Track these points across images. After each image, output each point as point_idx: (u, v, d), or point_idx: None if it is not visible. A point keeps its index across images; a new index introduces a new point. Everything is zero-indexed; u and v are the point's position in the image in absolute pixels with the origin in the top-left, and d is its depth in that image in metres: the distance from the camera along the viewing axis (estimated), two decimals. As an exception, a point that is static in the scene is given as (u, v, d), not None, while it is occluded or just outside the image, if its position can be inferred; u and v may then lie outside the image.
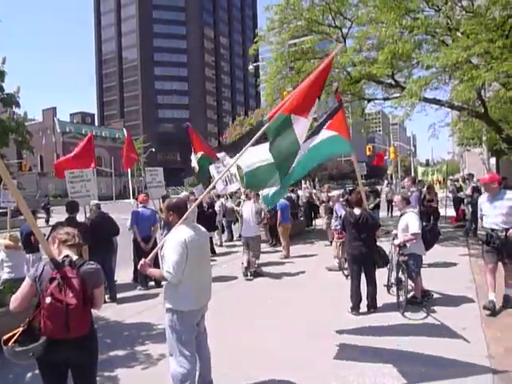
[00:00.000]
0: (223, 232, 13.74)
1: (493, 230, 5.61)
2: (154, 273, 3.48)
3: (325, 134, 4.75)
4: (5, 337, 2.52)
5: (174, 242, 3.36)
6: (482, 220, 6.00)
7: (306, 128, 4.34)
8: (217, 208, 12.46)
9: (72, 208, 6.71)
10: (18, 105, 4.99)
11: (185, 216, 3.48)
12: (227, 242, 13.41)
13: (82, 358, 2.78)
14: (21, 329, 2.56)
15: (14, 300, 2.71)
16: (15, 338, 2.52)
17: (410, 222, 5.83)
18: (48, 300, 2.53)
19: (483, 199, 5.95)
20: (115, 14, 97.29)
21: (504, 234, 5.50)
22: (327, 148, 4.84)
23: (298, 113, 4.21)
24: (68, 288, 2.59)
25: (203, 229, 3.76)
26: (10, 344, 2.50)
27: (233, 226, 14.15)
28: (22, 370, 4.11)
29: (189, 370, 3.38)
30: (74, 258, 2.81)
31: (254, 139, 3.87)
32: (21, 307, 2.69)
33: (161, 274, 3.39)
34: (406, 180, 6.86)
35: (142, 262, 3.52)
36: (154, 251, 3.60)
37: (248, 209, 8.78)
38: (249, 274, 8.32)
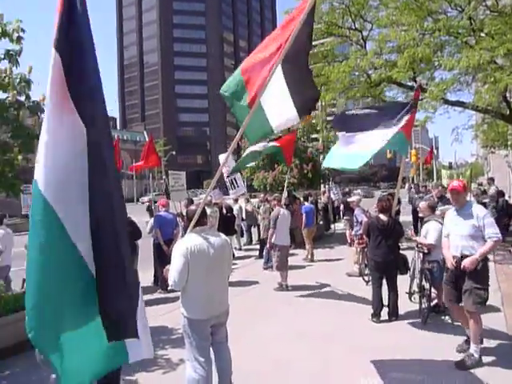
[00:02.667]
0: (242, 235, 13.74)
1: (454, 256, 4.41)
2: None
3: (395, 130, 4.76)
4: None
5: (177, 250, 3.41)
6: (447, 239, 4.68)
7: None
8: (235, 212, 12.49)
9: None
10: (43, 112, 5.12)
11: (192, 223, 3.51)
12: (246, 246, 13.42)
13: None
14: None
15: None
16: None
17: (430, 231, 5.76)
18: None
19: (449, 214, 4.72)
20: (136, 20, 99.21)
21: (457, 263, 4.32)
22: (391, 144, 4.95)
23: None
24: None
25: (221, 236, 3.72)
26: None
27: (252, 228, 14.15)
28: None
29: (203, 375, 3.40)
30: None
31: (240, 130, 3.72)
32: None
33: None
34: (422, 206, 6.10)
35: (166, 268, 3.57)
36: (174, 257, 3.63)
37: (285, 214, 8.01)
38: (285, 286, 7.79)
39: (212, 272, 3.48)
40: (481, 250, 4.22)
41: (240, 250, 12.70)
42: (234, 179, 11.16)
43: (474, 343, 4.32)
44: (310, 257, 10.55)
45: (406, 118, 5.06)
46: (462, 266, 4.23)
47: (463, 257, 4.29)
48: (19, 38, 4.85)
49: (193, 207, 3.71)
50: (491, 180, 14.48)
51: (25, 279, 6.56)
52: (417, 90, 5.49)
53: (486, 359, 4.37)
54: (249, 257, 11.52)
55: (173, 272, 3.34)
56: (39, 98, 5.22)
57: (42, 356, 2.58)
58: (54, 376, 2.91)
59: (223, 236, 3.76)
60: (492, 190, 12.71)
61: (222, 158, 11.35)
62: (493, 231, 4.23)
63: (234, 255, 11.23)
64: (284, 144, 9.17)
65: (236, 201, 13.48)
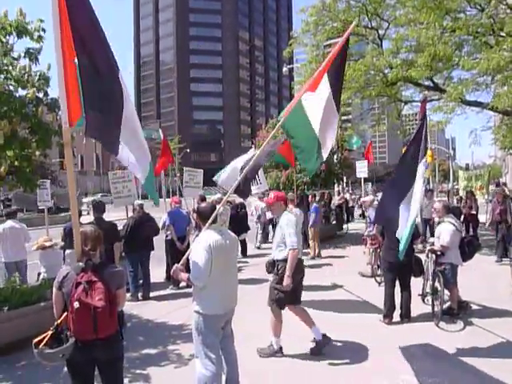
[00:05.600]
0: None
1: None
2: (184, 277, 3.54)
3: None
4: (35, 340, 2.64)
5: (199, 247, 3.43)
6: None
7: (315, 103, 4.25)
8: (253, 209, 12.57)
9: (98, 209, 6.73)
10: (60, 109, 5.21)
11: (210, 220, 3.53)
12: (260, 244, 13.39)
13: (111, 356, 2.92)
14: (50, 332, 2.68)
15: (55, 312, 2.88)
16: (45, 341, 2.63)
17: (443, 233, 5.71)
18: (76, 305, 2.63)
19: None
20: (153, 18, 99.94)
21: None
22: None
23: (306, 91, 4.24)
24: (94, 291, 2.69)
25: (232, 234, 3.78)
26: (40, 346, 2.62)
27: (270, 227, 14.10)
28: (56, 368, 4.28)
29: (214, 372, 3.42)
30: (97, 260, 2.94)
31: (268, 138, 4.02)
32: (60, 312, 2.83)
33: (188, 279, 3.46)
34: (437, 206, 5.92)
35: (174, 267, 3.59)
36: (186, 255, 3.65)
37: (298, 214, 7.50)
38: None
39: (228, 268, 3.57)
40: (288, 265, 4.51)
41: (259, 248, 12.70)
42: (257, 175, 11.04)
43: (273, 336, 4.72)
44: (315, 253, 10.74)
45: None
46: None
47: (275, 261, 4.77)
48: (40, 37, 4.95)
49: (203, 204, 3.74)
50: (501, 184, 14.14)
51: (39, 273, 6.66)
52: (423, 101, 5.35)
53: (496, 364, 4.31)
54: (262, 255, 11.50)
55: (197, 267, 3.37)
56: (57, 96, 5.32)
57: (40, 352, 2.62)
58: (65, 370, 2.98)
59: (232, 233, 3.82)
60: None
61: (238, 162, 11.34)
62: (289, 241, 4.54)
63: (246, 253, 11.32)
64: (283, 150, 9.60)
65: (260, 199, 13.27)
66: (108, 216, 7.30)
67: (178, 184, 9.85)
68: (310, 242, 11.01)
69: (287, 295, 4.65)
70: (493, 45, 10.12)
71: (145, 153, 3.49)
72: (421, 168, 4.58)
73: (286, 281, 4.48)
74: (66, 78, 2.81)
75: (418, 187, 4.56)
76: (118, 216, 11.09)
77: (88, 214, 18.56)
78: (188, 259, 3.58)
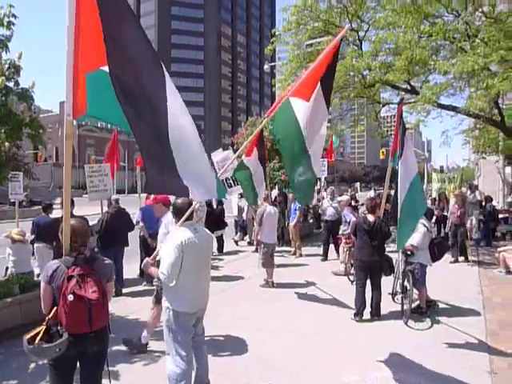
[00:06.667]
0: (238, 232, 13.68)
1: None
2: (154, 272, 3.50)
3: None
4: (28, 336, 2.59)
5: (170, 244, 3.39)
6: None
7: (307, 112, 4.22)
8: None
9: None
10: (32, 99, 5.07)
11: (184, 217, 3.50)
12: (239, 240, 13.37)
13: (99, 349, 2.91)
14: (44, 327, 2.63)
15: (43, 307, 2.82)
16: (40, 336, 2.59)
17: (414, 233, 5.81)
18: (71, 297, 2.61)
19: None
20: (135, 9, 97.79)
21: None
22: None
23: (296, 95, 4.18)
24: (87, 284, 2.70)
25: (207, 232, 3.76)
26: (36, 342, 2.56)
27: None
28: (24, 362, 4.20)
29: (184, 370, 3.40)
30: (87, 253, 2.91)
31: (251, 137, 3.97)
32: (49, 306, 2.77)
33: (158, 275, 3.43)
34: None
35: (145, 261, 3.57)
36: (157, 251, 3.63)
37: (271, 212, 7.92)
38: (271, 283, 7.82)
39: (201, 265, 3.53)
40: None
41: (236, 242, 12.70)
42: (231, 178, 10.90)
43: (147, 330, 4.79)
44: (300, 252, 10.81)
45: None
46: None
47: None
48: (10, 24, 4.79)
49: (179, 200, 3.70)
50: (473, 186, 14.47)
51: (7, 267, 6.45)
52: (400, 103, 5.48)
53: (462, 362, 4.45)
54: (239, 252, 11.53)
55: (165, 265, 3.33)
56: (29, 85, 5.17)
57: (29, 346, 2.57)
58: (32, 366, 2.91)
59: (207, 230, 3.79)
60: (471, 197, 12.79)
61: (214, 156, 11.10)
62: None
63: (222, 250, 11.30)
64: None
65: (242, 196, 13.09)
66: (82, 211, 7.17)
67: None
68: (292, 241, 11.13)
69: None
70: (468, 50, 10.38)
71: (206, 166, 3.14)
72: (401, 167, 4.72)
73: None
74: (76, 72, 2.72)
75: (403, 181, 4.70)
76: (92, 211, 10.86)
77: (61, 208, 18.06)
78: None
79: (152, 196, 8.40)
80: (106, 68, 2.63)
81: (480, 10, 11.09)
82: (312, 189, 5.21)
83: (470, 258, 9.87)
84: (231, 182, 10.48)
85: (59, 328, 2.65)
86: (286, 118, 4.32)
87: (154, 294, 4.81)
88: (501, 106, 12.52)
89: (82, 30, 2.66)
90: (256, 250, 10.50)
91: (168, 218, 4.80)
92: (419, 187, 5.09)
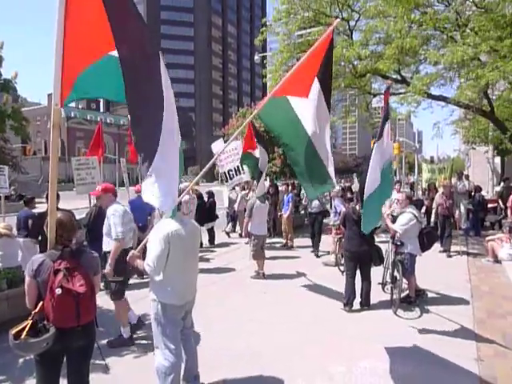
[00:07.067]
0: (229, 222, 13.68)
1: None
2: (140, 265, 3.46)
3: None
4: (13, 331, 2.55)
5: (156, 236, 3.34)
6: None
7: (308, 108, 4.06)
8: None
9: None
10: (15, 90, 4.96)
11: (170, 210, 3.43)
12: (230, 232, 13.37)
13: (86, 343, 2.89)
14: (30, 321, 2.60)
15: (28, 302, 2.77)
16: (26, 330, 2.55)
17: (400, 219, 5.93)
18: (58, 291, 2.57)
19: None
20: None
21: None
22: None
23: (295, 94, 4.03)
24: (74, 278, 2.67)
25: (194, 223, 3.72)
26: (22, 337, 2.53)
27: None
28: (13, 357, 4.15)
29: (173, 363, 3.38)
30: (74, 246, 2.87)
31: (238, 131, 3.90)
32: (34, 301, 2.74)
33: (143, 267, 3.39)
34: (400, 196, 6.13)
35: (131, 253, 3.52)
36: (143, 243, 3.57)
37: (259, 203, 7.80)
38: (262, 274, 7.80)
39: (188, 257, 3.49)
40: (111, 255, 4.53)
41: (228, 234, 12.69)
42: (234, 169, 10.75)
43: (122, 326, 4.79)
44: (291, 243, 10.87)
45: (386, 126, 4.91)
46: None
47: (106, 254, 4.69)
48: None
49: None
50: (462, 175, 14.49)
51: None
52: (386, 91, 5.42)
53: (449, 349, 4.49)
54: (230, 244, 11.51)
55: (152, 257, 3.29)
56: (11, 75, 5.05)
57: (15, 341, 2.53)
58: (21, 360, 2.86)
59: (194, 222, 3.74)
60: (461, 186, 12.85)
61: (215, 146, 10.99)
62: (114, 232, 4.61)
63: (214, 241, 11.27)
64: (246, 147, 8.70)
65: (243, 188, 12.87)
66: (71, 205, 7.07)
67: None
68: (284, 233, 11.14)
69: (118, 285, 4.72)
70: (458, 40, 10.37)
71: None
72: (375, 147, 4.59)
73: (107, 269, 4.48)
74: (64, 58, 2.67)
75: (375, 163, 4.52)
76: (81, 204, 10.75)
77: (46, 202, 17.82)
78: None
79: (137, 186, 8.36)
80: (113, 53, 2.66)
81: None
82: (323, 189, 4.90)
83: (451, 250, 9.72)
84: (233, 173, 10.45)
85: (45, 323, 2.61)
86: (283, 116, 4.14)
87: (111, 290, 4.76)
88: (490, 96, 12.59)
89: (78, 20, 2.63)
90: (247, 242, 10.50)
91: (113, 208, 4.76)
92: (388, 174, 4.95)
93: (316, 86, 3.98)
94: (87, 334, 2.84)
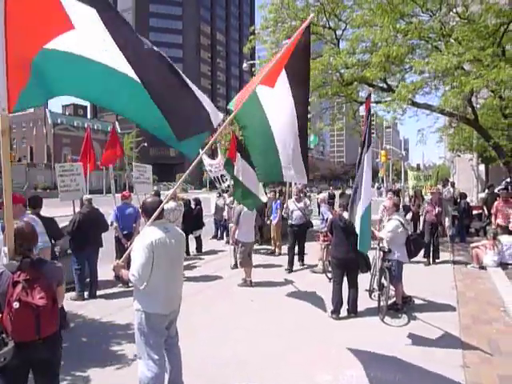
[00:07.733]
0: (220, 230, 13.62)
1: None
2: (125, 275, 3.39)
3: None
4: None
5: (140, 245, 3.28)
6: None
7: (272, 98, 4.05)
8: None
9: (35, 203, 5.83)
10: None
11: (153, 216, 3.37)
12: (213, 240, 13.32)
13: (49, 357, 2.77)
14: None
15: None
16: None
17: (387, 226, 5.98)
18: (16, 305, 2.48)
19: None
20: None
21: None
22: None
23: (262, 82, 3.93)
24: (34, 290, 2.55)
25: (178, 231, 3.66)
26: None
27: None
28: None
29: (157, 373, 3.30)
30: (35, 257, 2.76)
31: (218, 132, 3.88)
32: None
33: (128, 277, 3.32)
34: (388, 203, 6.02)
35: (115, 263, 3.45)
36: (127, 252, 3.50)
37: (246, 210, 7.55)
38: (249, 282, 7.71)
39: (172, 265, 3.43)
40: None
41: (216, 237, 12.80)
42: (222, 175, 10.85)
43: None
44: (279, 251, 10.89)
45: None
46: None
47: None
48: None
49: (149, 199, 3.59)
50: (447, 182, 14.64)
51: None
52: (367, 99, 5.42)
53: (436, 357, 4.49)
54: (216, 252, 11.42)
55: (136, 267, 3.22)
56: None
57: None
58: None
59: (179, 229, 3.69)
60: (446, 192, 12.99)
61: (205, 159, 11.11)
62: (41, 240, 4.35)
63: (201, 249, 11.19)
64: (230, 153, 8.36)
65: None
66: (55, 213, 6.93)
67: (133, 179, 9.51)
68: (273, 240, 11.15)
69: None
70: (443, 50, 10.56)
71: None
72: (366, 158, 4.50)
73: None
74: (7, 60, 2.60)
75: (367, 177, 4.46)
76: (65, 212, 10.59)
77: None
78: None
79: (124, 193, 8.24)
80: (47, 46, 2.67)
81: (454, 10, 11.32)
82: (275, 172, 4.72)
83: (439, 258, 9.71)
84: (227, 177, 10.53)
85: (4, 336, 2.53)
86: (252, 108, 4.10)
87: None
88: (474, 105, 12.81)
89: (21, 13, 2.59)
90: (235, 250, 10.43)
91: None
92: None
93: (283, 76, 3.93)
94: (50, 346, 2.72)
